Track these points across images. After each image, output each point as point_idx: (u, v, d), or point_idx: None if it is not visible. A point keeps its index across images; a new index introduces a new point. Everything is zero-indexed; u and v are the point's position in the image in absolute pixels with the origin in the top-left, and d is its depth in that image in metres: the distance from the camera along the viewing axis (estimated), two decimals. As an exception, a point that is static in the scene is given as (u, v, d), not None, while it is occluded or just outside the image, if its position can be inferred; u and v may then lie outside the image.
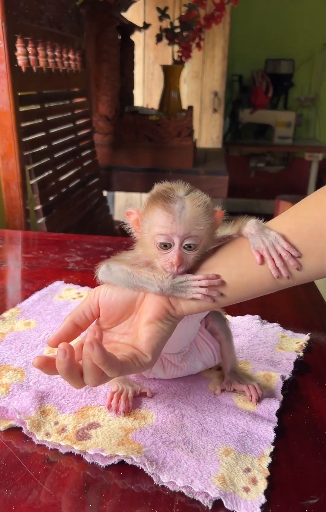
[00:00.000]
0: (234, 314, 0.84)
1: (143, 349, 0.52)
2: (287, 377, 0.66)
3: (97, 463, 0.51)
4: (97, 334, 0.47)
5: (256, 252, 0.52)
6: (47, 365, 0.50)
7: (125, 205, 3.26)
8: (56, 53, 1.78)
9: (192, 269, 0.55)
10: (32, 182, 1.42)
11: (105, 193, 2.55)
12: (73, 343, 0.56)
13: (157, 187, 0.54)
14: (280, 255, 0.51)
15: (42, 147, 1.53)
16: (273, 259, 0.51)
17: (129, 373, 0.52)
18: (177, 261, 0.52)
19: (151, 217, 0.53)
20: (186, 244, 0.52)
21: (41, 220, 1.43)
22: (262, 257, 0.52)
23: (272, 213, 4.02)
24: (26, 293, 0.89)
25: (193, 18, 2.59)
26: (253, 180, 4.40)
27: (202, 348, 0.65)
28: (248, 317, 0.83)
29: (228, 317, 0.83)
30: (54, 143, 1.65)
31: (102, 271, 0.56)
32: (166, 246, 0.53)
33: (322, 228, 0.50)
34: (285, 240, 0.52)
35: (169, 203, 0.52)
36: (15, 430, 0.56)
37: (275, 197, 3.91)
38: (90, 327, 0.48)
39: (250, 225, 0.54)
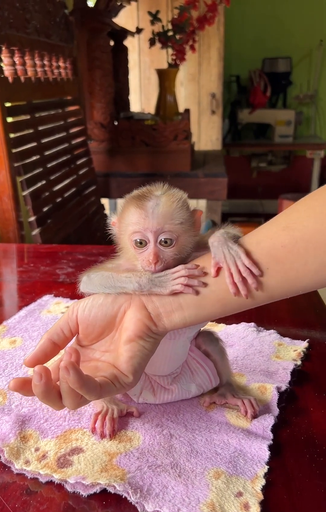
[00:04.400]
0: (228, 322, 0.80)
1: (124, 369, 0.49)
2: (283, 388, 0.63)
3: (79, 492, 0.48)
4: (73, 357, 0.44)
5: (215, 264, 0.50)
6: (24, 387, 0.47)
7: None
8: (45, 62, 1.76)
9: None
10: (24, 193, 1.40)
11: (105, 200, 2.53)
12: (53, 360, 0.53)
13: (136, 190, 0.53)
14: (239, 271, 0.48)
15: (34, 158, 1.51)
16: (231, 274, 0.48)
17: (110, 395, 0.49)
18: (153, 258, 0.50)
19: (126, 217, 0.52)
20: (161, 240, 0.50)
21: (35, 231, 1.40)
22: (218, 269, 0.50)
23: (275, 212, 3.96)
24: (14, 309, 0.86)
25: (185, 20, 2.56)
26: (255, 181, 4.36)
27: (195, 369, 0.61)
28: (243, 325, 0.79)
29: (222, 325, 0.80)
30: (47, 152, 1.63)
31: (83, 281, 0.54)
32: (141, 243, 0.51)
33: (317, 240, 0.47)
34: (248, 256, 0.49)
35: (142, 201, 0.51)
36: (-7, 459, 0.53)
37: (278, 197, 3.87)
38: (66, 348, 0.46)
39: (215, 236, 0.51)
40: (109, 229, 0.55)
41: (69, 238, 1.63)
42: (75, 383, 0.43)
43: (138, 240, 0.51)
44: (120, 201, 3.23)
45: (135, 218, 0.50)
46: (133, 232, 0.51)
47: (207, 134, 3.44)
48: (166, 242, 0.50)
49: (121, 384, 0.48)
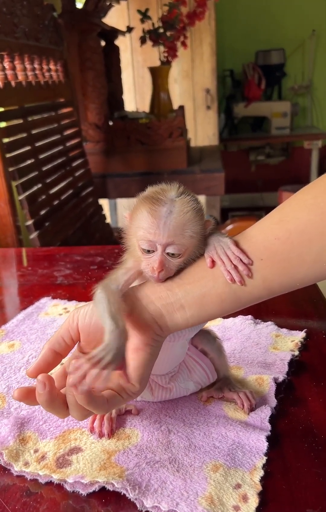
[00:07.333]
0: (225, 316, 0.80)
1: (131, 378, 0.48)
2: (281, 379, 0.63)
3: (79, 491, 0.48)
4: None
5: (208, 257, 0.51)
6: (28, 396, 0.48)
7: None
8: (36, 66, 1.76)
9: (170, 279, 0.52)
10: (20, 197, 1.40)
11: (104, 201, 2.53)
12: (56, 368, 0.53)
13: (150, 188, 0.52)
14: (230, 259, 0.49)
15: (29, 161, 1.52)
16: (223, 262, 0.49)
17: (117, 407, 0.50)
18: (158, 266, 0.49)
19: (137, 219, 0.50)
20: (169, 252, 0.50)
21: (33, 235, 1.41)
22: (212, 261, 0.50)
23: (276, 205, 3.94)
24: (13, 314, 0.87)
25: (174, 17, 2.56)
26: (255, 174, 4.35)
27: (192, 367, 0.61)
28: (240, 318, 0.79)
29: (219, 319, 0.80)
30: (42, 156, 1.63)
31: (95, 298, 0.52)
32: (149, 251, 0.50)
33: (311, 232, 0.47)
34: (236, 246, 0.50)
35: (156, 206, 0.49)
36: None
37: (278, 189, 3.86)
38: (70, 354, 0.46)
39: (210, 236, 0.52)
40: (109, 229, 0.55)
41: (68, 241, 1.63)
42: (83, 400, 0.44)
43: (146, 248, 0.50)
44: (120, 201, 3.22)
45: (146, 225, 0.49)
46: (142, 239, 0.50)
47: (203, 130, 3.44)
48: (173, 254, 0.50)
49: (128, 394, 0.48)
